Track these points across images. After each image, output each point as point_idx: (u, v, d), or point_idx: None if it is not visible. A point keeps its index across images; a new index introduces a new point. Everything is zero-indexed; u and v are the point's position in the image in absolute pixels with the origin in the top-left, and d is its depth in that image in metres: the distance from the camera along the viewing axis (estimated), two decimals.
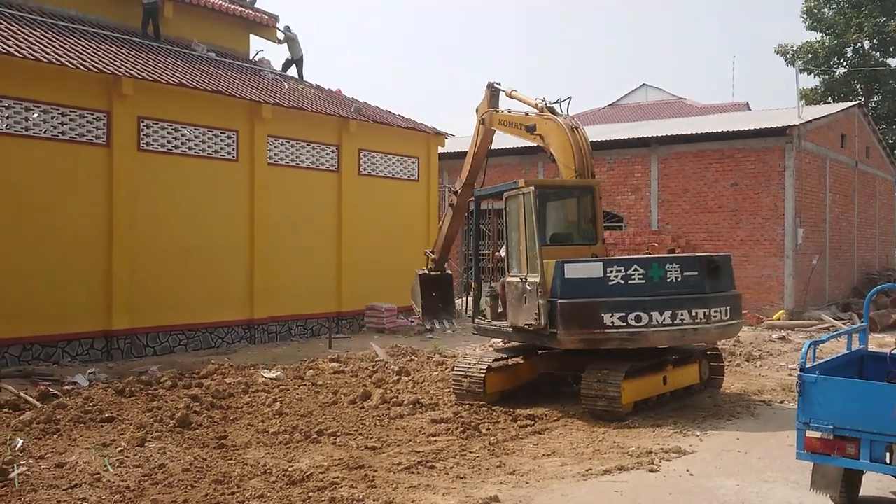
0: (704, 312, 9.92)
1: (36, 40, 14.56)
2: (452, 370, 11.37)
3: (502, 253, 11.59)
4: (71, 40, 15.64)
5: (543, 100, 11.92)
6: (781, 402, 11.14)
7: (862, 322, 8.26)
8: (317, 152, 18.78)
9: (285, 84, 20.09)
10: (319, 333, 18.25)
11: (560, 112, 11.66)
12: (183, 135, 15.96)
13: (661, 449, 8.50)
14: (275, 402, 10.53)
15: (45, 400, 10.41)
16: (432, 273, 14.18)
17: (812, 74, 40.44)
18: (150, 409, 10.00)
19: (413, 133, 21.35)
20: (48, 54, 13.91)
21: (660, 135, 23.48)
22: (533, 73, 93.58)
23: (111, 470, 7.56)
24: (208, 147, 16.41)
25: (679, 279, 9.94)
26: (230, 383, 11.69)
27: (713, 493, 7.16)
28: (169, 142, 15.71)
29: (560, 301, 9.79)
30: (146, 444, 8.46)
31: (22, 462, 7.75)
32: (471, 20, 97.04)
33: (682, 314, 9.77)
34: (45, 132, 13.90)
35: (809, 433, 6.23)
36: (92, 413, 9.69)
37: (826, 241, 23.80)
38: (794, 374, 8.53)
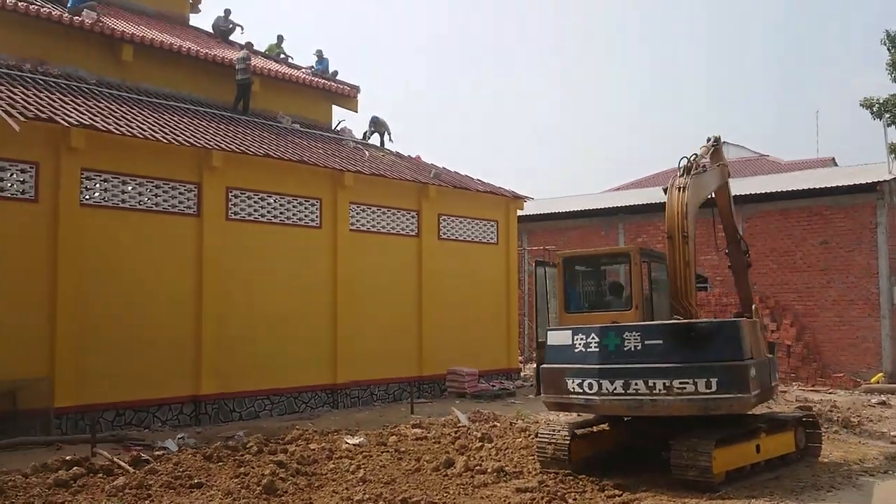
0: (665, 383, 9.41)
1: (133, 117, 15.36)
2: (536, 437, 11.18)
3: None
4: (165, 116, 16.47)
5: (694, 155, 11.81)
6: (886, 473, 10.54)
7: None
8: (397, 218, 19.08)
9: (366, 152, 20.60)
10: (401, 398, 18.26)
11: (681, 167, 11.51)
12: (269, 203, 16.46)
13: None
14: (358, 469, 10.52)
15: (137, 465, 10.63)
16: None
17: None
18: (238, 475, 10.11)
19: (492, 197, 21.51)
20: (144, 130, 14.63)
21: (744, 193, 23.00)
22: (617, 136, 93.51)
23: None
24: (293, 215, 16.87)
25: (638, 348, 9.69)
26: (314, 449, 11.74)
27: None
28: (255, 210, 16.22)
29: (541, 366, 10.54)
30: None
31: None
32: (557, 88, 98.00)
33: (636, 384, 9.52)
34: (139, 204, 14.54)
35: None
36: (182, 479, 9.85)
37: None
38: None
